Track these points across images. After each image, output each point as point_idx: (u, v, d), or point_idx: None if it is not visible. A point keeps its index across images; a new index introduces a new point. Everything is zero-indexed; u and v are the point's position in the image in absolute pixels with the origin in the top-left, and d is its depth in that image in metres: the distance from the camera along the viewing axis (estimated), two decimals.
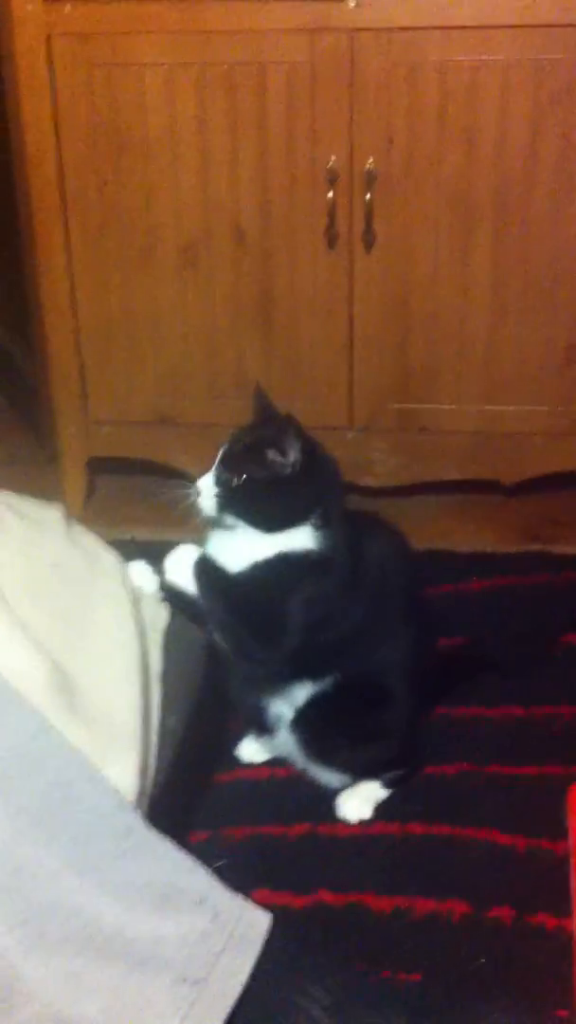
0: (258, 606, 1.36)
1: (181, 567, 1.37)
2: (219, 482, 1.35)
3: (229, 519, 1.36)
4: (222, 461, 1.36)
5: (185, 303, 2.04)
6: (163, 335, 2.08)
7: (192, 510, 1.37)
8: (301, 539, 1.36)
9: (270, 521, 1.35)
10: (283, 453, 1.33)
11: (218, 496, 1.35)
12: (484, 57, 1.83)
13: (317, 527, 1.36)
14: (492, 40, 1.82)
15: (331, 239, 1.94)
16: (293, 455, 1.33)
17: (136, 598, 1.34)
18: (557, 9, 1.78)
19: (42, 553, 1.29)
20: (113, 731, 1.17)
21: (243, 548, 1.37)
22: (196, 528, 1.42)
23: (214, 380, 2.09)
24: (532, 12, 1.79)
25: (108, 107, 1.93)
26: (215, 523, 1.38)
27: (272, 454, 1.34)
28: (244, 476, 1.34)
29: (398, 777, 1.49)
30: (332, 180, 1.90)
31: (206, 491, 1.35)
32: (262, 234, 1.97)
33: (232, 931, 1.08)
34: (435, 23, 1.81)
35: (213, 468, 1.37)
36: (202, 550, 1.38)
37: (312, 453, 1.36)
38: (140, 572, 1.42)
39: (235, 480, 1.34)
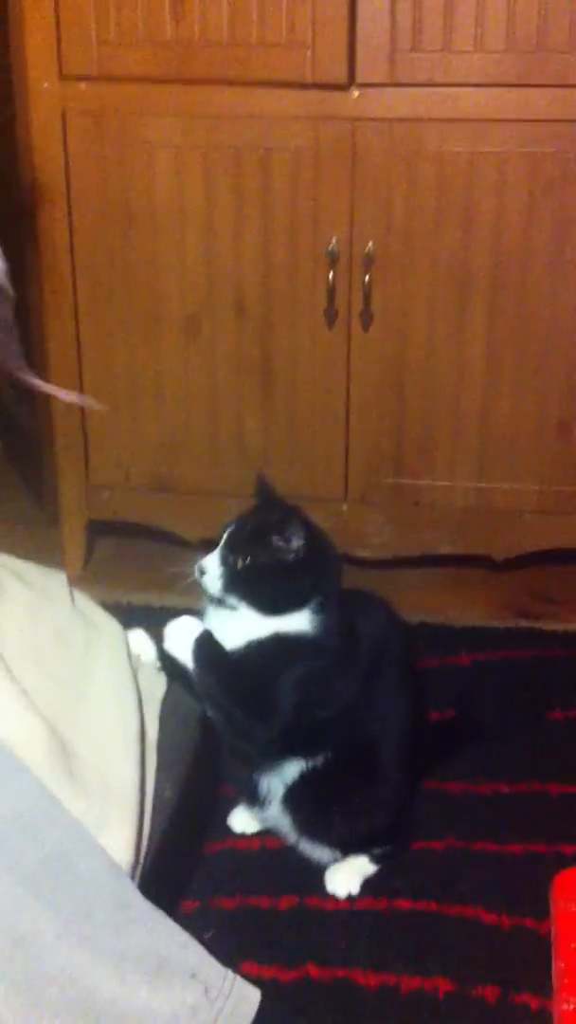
0: (251, 685, 1.38)
1: (181, 639, 1.40)
2: (224, 563, 1.39)
3: (232, 600, 1.39)
4: (227, 543, 1.40)
5: (187, 372, 2.09)
6: (165, 403, 2.13)
7: (198, 587, 1.41)
8: (298, 622, 1.39)
9: (272, 604, 1.39)
10: (287, 540, 1.38)
11: (222, 577, 1.39)
12: (481, 149, 1.89)
13: (314, 612, 1.39)
14: (489, 132, 1.89)
15: (330, 318, 2.00)
16: (296, 542, 1.37)
17: (135, 667, 1.36)
18: (551, 105, 1.85)
19: (45, 621, 1.32)
20: (110, 801, 1.19)
21: (240, 627, 1.40)
22: (192, 595, 1.45)
23: (214, 448, 2.13)
24: (527, 108, 1.86)
25: (119, 182, 1.99)
26: (217, 602, 1.41)
27: (276, 540, 1.38)
28: (248, 559, 1.38)
29: (387, 852, 1.50)
30: (332, 261, 1.96)
31: (211, 571, 1.39)
32: (263, 309, 2.03)
33: (222, 1007, 1.09)
34: (434, 115, 1.88)
35: (218, 549, 1.41)
36: (203, 625, 1.41)
37: (314, 539, 1.40)
38: (139, 640, 1.46)
39: (240, 563, 1.38)
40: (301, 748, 1.42)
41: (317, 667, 1.39)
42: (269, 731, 1.38)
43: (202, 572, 1.39)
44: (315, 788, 1.44)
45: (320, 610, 1.39)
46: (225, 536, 1.41)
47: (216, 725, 1.42)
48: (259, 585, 1.38)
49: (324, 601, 1.40)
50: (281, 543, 1.38)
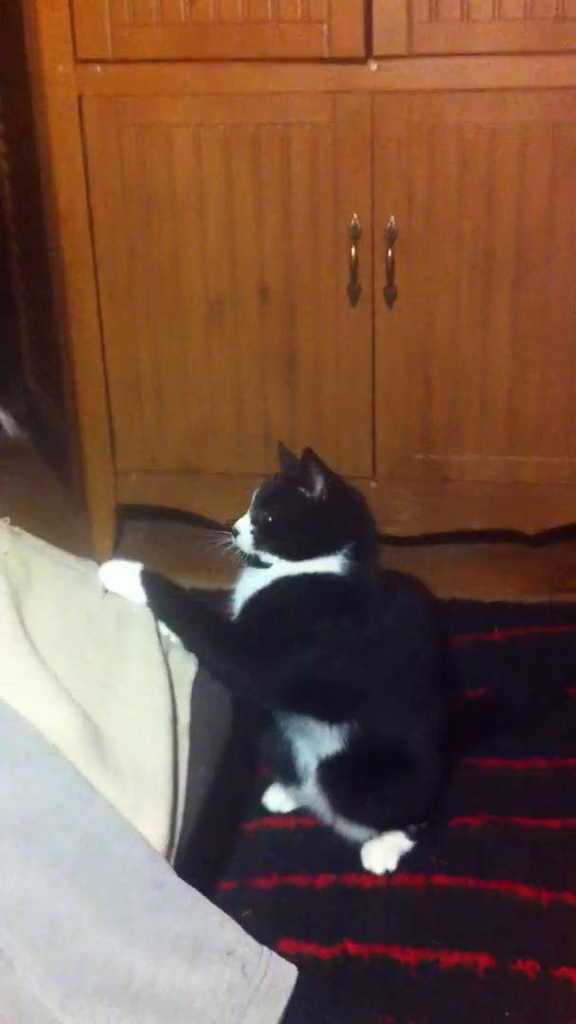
0: (261, 623, 1.40)
1: (120, 576, 1.40)
2: (255, 521, 1.43)
3: (265, 555, 1.42)
4: (256, 503, 1.44)
5: (211, 357, 2.09)
6: (190, 388, 2.12)
7: (231, 554, 1.45)
8: (328, 564, 1.41)
9: (302, 550, 1.41)
10: (309, 487, 1.41)
11: (254, 533, 1.42)
12: (502, 119, 1.87)
13: (348, 557, 1.41)
14: (510, 102, 1.86)
15: (353, 295, 1.98)
16: (319, 485, 1.41)
17: (165, 651, 1.36)
18: (572, 74, 1.82)
19: (77, 607, 1.32)
20: (143, 785, 1.19)
21: (268, 574, 1.43)
22: (223, 576, 1.49)
23: (240, 431, 2.13)
24: (548, 76, 1.83)
25: (137, 166, 1.99)
26: (252, 562, 1.44)
27: (301, 489, 1.41)
28: (277, 511, 1.42)
29: (423, 829, 1.50)
30: (354, 237, 1.95)
31: (243, 531, 1.43)
32: (286, 290, 2.02)
33: (259, 984, 1.09)
34: (453, 86, 1.86)
35: (249, 510, 1.45)
36: (140, 565, 1.42)
37: (337, 487, 1.43)
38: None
39: (269, 517, 1.42)
40: (328, 711, 1.42)
41: (347, 614, 1.39)
42: (261, 685, 1.40)
43: (236, 533, 1.43)
44: (350, 767, 1.44)
45: (353, 557, 1.41)
46: (254, 497, 1.45)
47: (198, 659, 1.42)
48: (290, 534, 1.41)
49: (357, 549, 1.41)
50: (305, 492, 1.41)
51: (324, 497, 1.41)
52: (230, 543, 1.44)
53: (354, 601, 1.41)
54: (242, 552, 1.44)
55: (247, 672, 1.40)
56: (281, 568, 1.42)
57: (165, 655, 1.36)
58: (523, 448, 2.06)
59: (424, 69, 1.86)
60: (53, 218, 2.07)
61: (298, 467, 1.43)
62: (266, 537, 1.42)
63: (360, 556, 1.41)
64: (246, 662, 1.40)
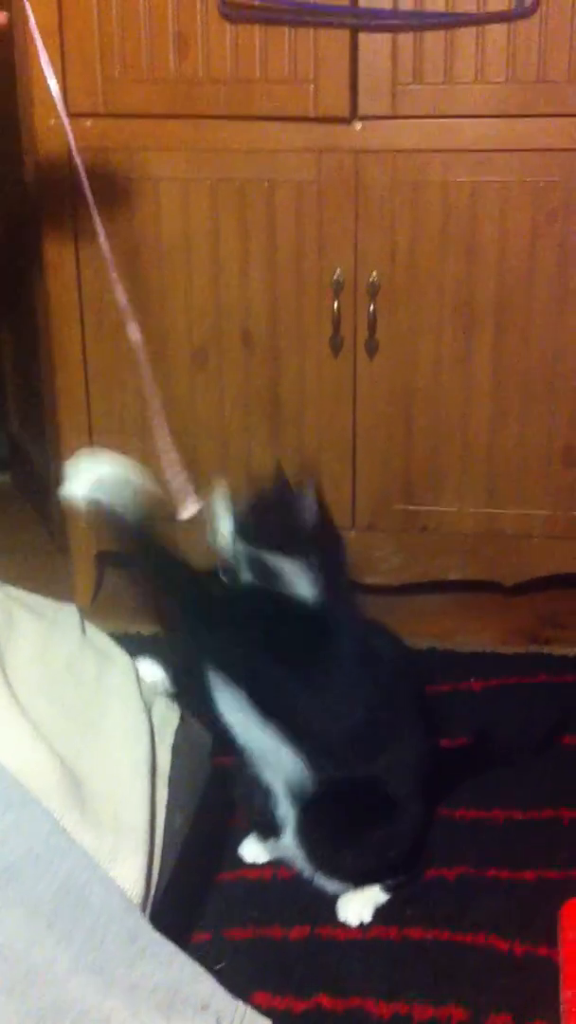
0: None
1: (80, 473, 1.43)
2: (240, 531, 1.46)
3: (244, 574, 1.44)
4: (245, 512, 1.48)
5: (195, 403, 2.11)
6: (173, 433, 2.13)
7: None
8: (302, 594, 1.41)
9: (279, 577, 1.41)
10: (303, 517, 1.43)
11: (235, 545, 1.45)
12: (484, 178, 1.91)
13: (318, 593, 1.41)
14: (492, 162, 1.91)
15: (336, 347, 2.02)
16: (312, 520, 1.42)
17: (148, 699, 1.37)
18: (553, 135, 1.88)
19: (57, 653, 1.33)
20: (121, 833, 1.19)
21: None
22: None
23: (221, 477, 2.14)
24: (529, 138, 1.88)
25: (125, 216, 2.01)
26: (226, 573, 1.46)
27: (290, 517, 1.43)
28: (262, 529, 1.44)
29: (400, 883, 1.50)
30: (337, 291, 1.98)
31: (226, 535, 1.46)
32: (270, 339, 2.05)
33: None
34: (437, 147, 1.90)
35: (235, 519, 1.48)
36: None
37: (325, 522, 1.45)
38: (148, 670, 1.47)
39: (253, 530, 1.44)
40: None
41: (326, 663, 1.40)
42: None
43: (219, 537, 1.47)
44: (329, 820, 1.44)
45: (312, 570, 1.41)
46: (244, 507, 1.49)
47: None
48: (269, 557, 1.42)
49: (319, 564, 1.41)
50: (295, 519, 1.43)
51: (313, 531, 1.42)
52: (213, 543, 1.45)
53: (328, 639, 1.42)
54: (224, 560, 1.45)
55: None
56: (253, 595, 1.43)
57: (149, 703, 1.37)
58: (502, 499, 2.09)
59: (408, 129, 1.91)
60: (41, 266, 2.10)
61: (290, 488, 1.45)
62: (248, 559, 1.43)
63: (330, 591, 1.42)
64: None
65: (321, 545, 1.44)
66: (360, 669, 1.44)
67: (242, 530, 1.45)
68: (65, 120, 1.57)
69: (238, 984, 1.21)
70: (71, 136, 1.56)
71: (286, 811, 1.47)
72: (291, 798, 1.46)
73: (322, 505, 1.43)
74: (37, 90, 1.94)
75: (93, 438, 2.16)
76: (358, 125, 1.91)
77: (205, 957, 1.20)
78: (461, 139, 1.90)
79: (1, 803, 1.10)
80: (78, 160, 1.59)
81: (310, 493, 1.42)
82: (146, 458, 2.13)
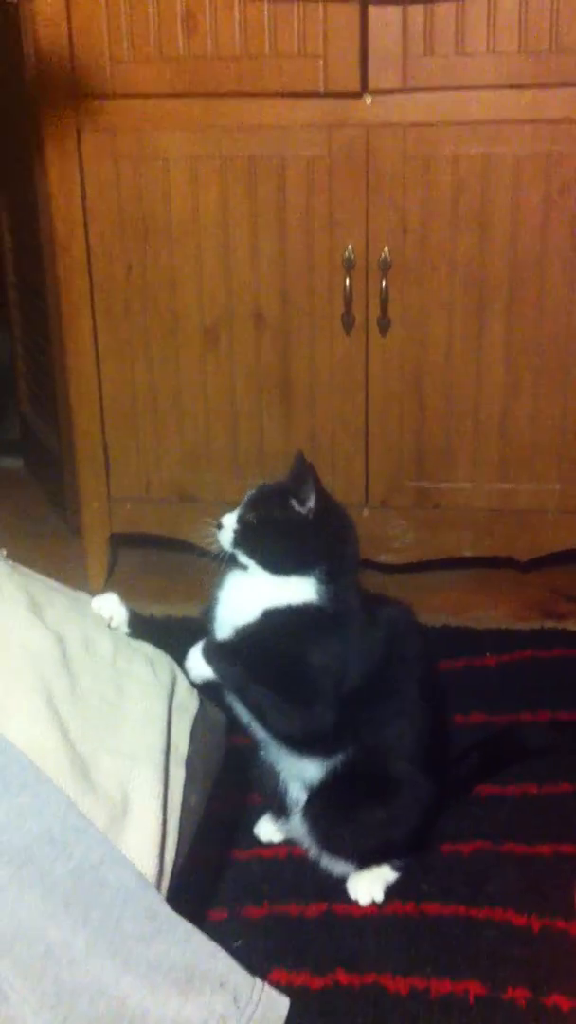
0: (279, 667, 1.39)
1: (196, 661, 1.42)
2: (240, 520, 1.44)
3: (242, 557, 1.43)
4: (247, 503, 1.45)
5: (206, 383, 2.11)
6: (185, 414, 2.14)
7: (211, 546, 1.46)
8: (304, 590, 1.41)
9: (277, 562, 1.42)
10: (301, 501, 1.41)
11: (236, 532, 1.43)
12: (495, 150, 1.90)
13: (321, 581, 1.41)
14: (503, 134, 1.89)
15: (347, 324, 2.01)
16: (310, 502, 1.41)
17: (168, 681, 1.37)
18: (565, 106, 1.86)
19: (74, 634, 1.33)
20: (131, 813, 1.20)
21: (252, 595, 1.43)
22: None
23: (234, 458, 2.15)
24: (541, 109, 1.86)
25: (134, 197, 2.01)
26: (231, 561, 1.45)
27: (292, 501, 1.42)
28: (263, 516, 1.42)
29: (407, 863, 1.51)
30: (349, 268, 1.97)
31: (227, 526, 1.44)
32: (281, 318, 2.04)
33: (252, 1015, 1.10)
34: (447, 119, 1.89)
35: (238, 508, 1.46)
36: (202, 641, 1.43)
37: (328, 508, 1.43)
38: (105, 602, 1.44)
39: (255, 519, 1.42)
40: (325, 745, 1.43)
41: (332, 643, 1.40)
42: (320, 715, 1.39)
43: (219, 527, 1.44)
44: (335, 802, 1.45)
45: (327, 580, 1.41)
46: (246, 496, 1.46)
47: (266, 729, 1.43)
48: (267, 541, 1.42)
49: (332, 572, 1.41)
50: (296, 503, 1.41)
51: (311, 516, 1.41)
52: (213, 535, 1.45)
53: (336, 625, 1.41)
54: (221, 549, 1.44)
55: (316, 722, 1.40)
56: (260, 585, 1.42)
57: (168, 686, 1.37)
58: (515, 475, 2.08)
59: (419, 102, 1.89)
60: (50, 247, 2.09)
61: (296, 475, 1.43)
62: (246, 539, 1.42)
63: (335, 577, 1.41)
64: (308, 715, 1.40)
65: (325, 530, 1.43)
66: (371, 655, 1.44)
67: (244, 520, 1.44)
68: None
69: (255, 961, 1.23)
70: None
71: (295, 793, 1.48)
72: (299, 781, 1.47)
73: (321, 489, 1.42)
74: (45, 69, 1.93)
75: (104, 420, 2.15)
76: (368, 99, 1.89)
77: (222, 935, 1.21)
78: (473, 111, 1.88)
79: (16, 784, 1.11)
80: None
81: (308, 481, 1.41)
82: (156, 433, 2.14)
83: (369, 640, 1.44)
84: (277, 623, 1.41)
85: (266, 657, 1.40)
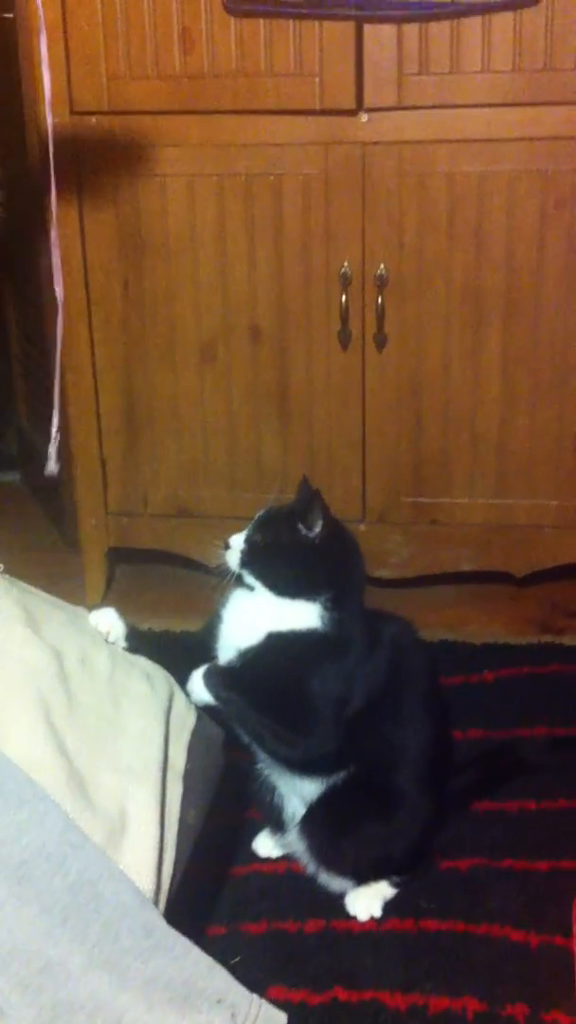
0: (281, 694, 1.40)
1: (198, 684, 1.42)
2: (248, 541, 1.45)
3: (248, 578, 1.44)
4: (255, 524, 1.47)
5: (204, 398, 2.11)
6: (182, 429, 2.14)
7: (219, 569, 1.47)
8: (308, 616, 1.42)
9: (283, 584, 1.42)
10: (308, 526, 1.43)
11: (243, 552, 1.44)
12: (490, 168, 1.91)
13: (326, 608, 1.42)
14: (498, 152, 1.90)
15: (344, 340, 2.01)
16: (317, 527, 1.42)
17: (166, 696, 1.37)
18: (560, 123, 1.87)
19: (71, 649, 1.33)
20: (128, 829, 1.20)
21: (256, 617, 1.43)
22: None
23: (232, 473, 2.15)
24: (535, 127, 1.87)
25: (131, 213, 2.02)
26: (237, 581, 1.46)
27: (299, 525, 1.43)
28: (269, 537, 1.44)
29: (405, 880, 1.50)
30: (345, 284, 1.98)
31: (235, 547, 1.45)
32: (278, 333, 2.05)
33: None
34: (443, 137, 1.90)
35: (247, 529, 1.47)
36: (205, 666, 1.43)
37: (335, 534, 1.44)
38: (108, 620, 1.45)
39: (262, 541, 1.44)
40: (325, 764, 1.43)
41: (335, 669, 1.40)
42: (321, 744, 1.40)
43: (227, 547, 1.46)
44: (334, 817, 1.45)
45: (332, 607, 1.41)
46: (256, 517, 1.47)
47: (267, 754, 1.44)
48: (274, 563, 1.43)
49: (338, 599, 1.42)
50: (303, 527, 1.42)
51: (318, 541, 1.42)
52: (221, 557, 1.46)
53: (340, 652, 1.42)
54: (227, 567, 1.45)
55: (318, 749, 1.41)
56: (264, 612, 1.43)
57: (166, 702, 1.37)
58: (512, 490, 2.09)
59: (414, 120, 1.90)
60: (48, 264, 2.09)
61: (304, 500, 1.45)
62: (254, 560, 1.43)
63: (340, 604, 1.42)
64: (310, 742, 1.41)
65: (331, 556, 1.44)
66: (367, 661, 1.44)
67: (252, 541, 1.45)
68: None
69: (253, 978, 1.22)
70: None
71: (293, 809, 1.48)
72: (297, 797, 1.47)
73: (328, 515, 1.43)
74: (42, 88, 1.94)
75: (102, 435, 2.16)
76: (364, 117, 1.90)
77: (220, 951, 1.21)
78: (468, 129, 1.89)
79: (14, 800, 1.11)
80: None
81: (316, 507, 1.42)
82: (154, 448, 2.15)
83: (372, 664, 1.44)
84: (280, 648, 1.41)
85: (268, 683, 1.40)
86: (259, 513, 1.48)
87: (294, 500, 1.50)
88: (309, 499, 1.43)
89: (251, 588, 1.45)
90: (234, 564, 1.45)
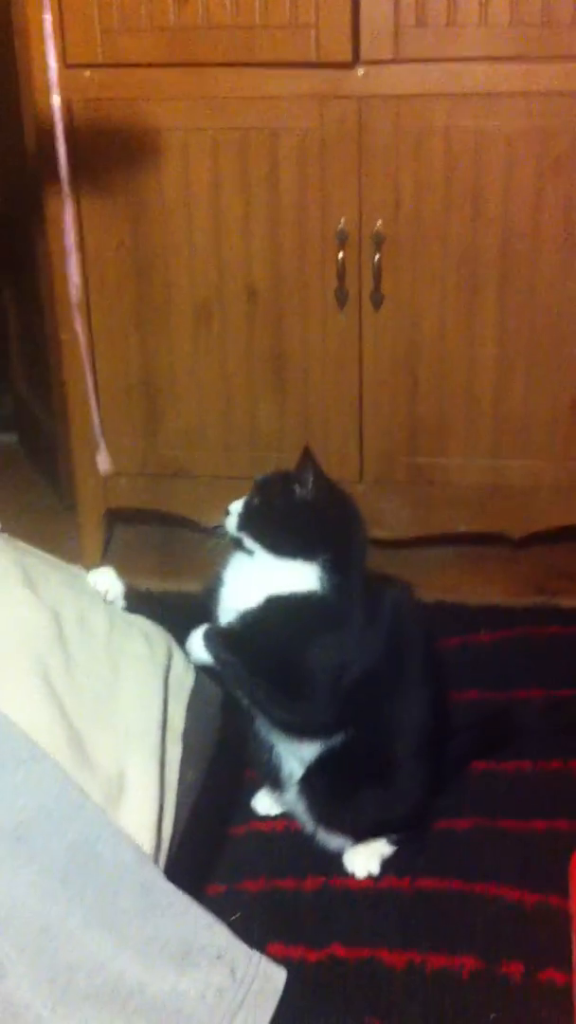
0: (279, 658, 1.40)
1: (197, 643, 1.42)
2: (245, 505, 1.46)
3: (247, 540, 1.44)
4: (253, 488, 1.47)
5: (199, 360, 2.09)
6: (178, 391, 2.13)
7: (222, 537, 1.48)
8: (307, 578, 1.41)
9: (279, 544, 1.42)
10: (301, 484, 1.43)
11: (240, 516, 1.45)
12: (488, 123, 1.88)
13: (325, 570, 1.41)
14: (495, 107, 1.87)
15: (341, 299, 1.99)
16: (309, 484, 1.42)
17: (164, 656, 1.36)
18: (558, 78, 1.84)
19: (69, 609, 1.32)
20: (127, 788, 1.20)
21: (256, 580, 1.43)
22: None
23: (228, 434, 2.14)
24: (535, 80, 1.84)
25: (126, 169, 1.99)
26: (236, 545, 1.46)
27: (294, 485, 1.43)
28: (266, 498, 1.44)
29: (404, 838, 1.51)
30: (342, 242, 1.96)
31: (234, 512, 1.46)
32: (274, 293, 2.03)
33: (249, 987, 1.10)
34: (441, 91, 1.87)
35: (246, 496, 1.48)
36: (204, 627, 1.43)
37: (332, 496, 1.45)
38: (101, 577, 1.44)
39: (258, 502, 1.45)
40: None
41: (334, 633, 1.40)
42: (319, 708, 1.40)
43: (227, 513, 1.46)
44: (331, 776, 1.45)
45: (332, 570, 1.41)
46: (254, 482, 1.48)
47: (264, 717, 1.45)
48: (272, 524, 1.43)
49: (336, 561, 1.41)
50: (297, 486, 1.43)
51: (310, 497, 1.42)
52: (223, 524, 1.47)
53: (339, 618, 1.42)
54: (228, 533, 1.46)
55: (315, 716, 1.42)
56: (265, 570, 1.42)
57: (168, 660, 1.36)
58: (508, 451, 2.08)
59: (411, 74, 1.87)
60: (41, 221, 2.07)
61: (299, 465, 1.44)
62: (251, 522, 1.44)
63: (339, 568, 1.42)
64: (307, 708, 1.41)
65: (328, 516, 1.43)
66: (367, 629, 1.44)
67: (249, 504, 1.46)
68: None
69: (252, 935, 1.23)
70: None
71: (291, 769, 1.48)
72: (295, 757, 1.47)
73: (322, 474, 1.43)
74: (34, 41, 1.91)
75: (99, 396, 2.14)
76: (360, 70, 1.87)
77: (219, 909, 1.21)
78: (465, 83, 1.86)
79: (12, 760, 1.11)
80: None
81: (307, 465, 1.42)
82: (150, 409, 2.13)
83: (372, 630, 1.44)
84: (280, 612, 1.41)
85: (267, 647, 1.40)
86: (257, 478, 1.48)
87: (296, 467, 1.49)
88: (302, 458, 1.42)
89: (251, 553, 1.45)
90: (232, 527, 1.45)
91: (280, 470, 1.50)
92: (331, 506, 1.45)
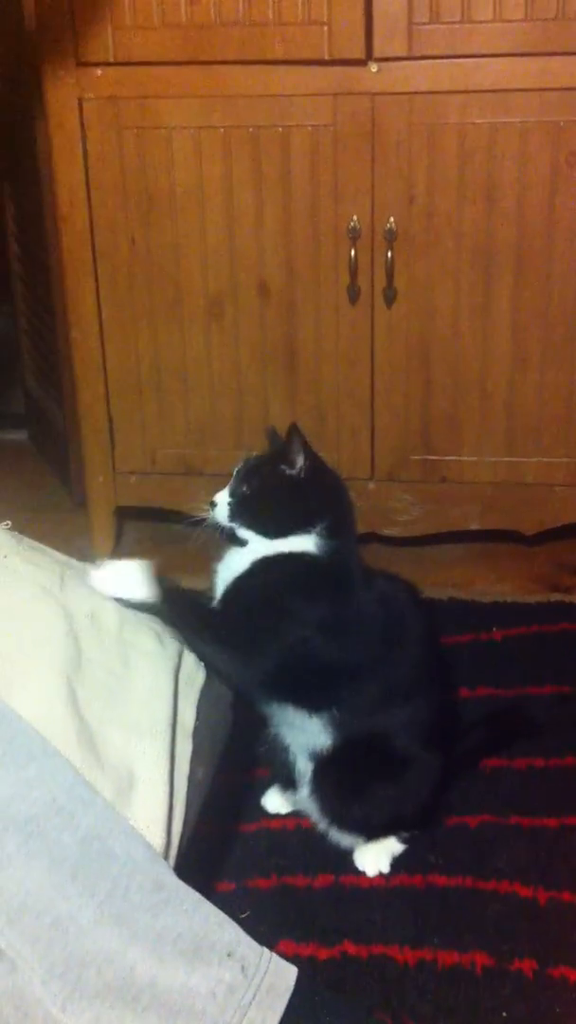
0: (246, 607, 1.39)
1: (123, 578, 1.39)
2: (233, 494, 1.43)
3: (240, 530, 1.42)
4: (237, 477, 1.45)
5: (211, 356, 2.09)
6: (190, 387, 2.13)
7: (207, 529, 1.45)
8: (303, 543, 1.40)
9: (277, 526, 1.41)
10: (290, 463, 1.40)
11: (231, 506, 1.43)
12: (502, 119, 1.88)
13: (322, 536, 1.40)
14: (510, 103, 1.87)
15: (353, 295, 1.99)
16: (300, 462, 1.40)
17: (175, 653, 1.36)
18: (572, 75, 1.83)
19: (80, 606, 1.33)
20: (137, 785, 1.20)
21: (247, 558, 1.42)
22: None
23: (239, 431, 2.14)
24: (548, 77, 1.84)
25: (137, 167, 1.99)
26: (228, 537, 1.44)
27: (282, 466, 1.41)
28: (256, 485, 1.42)
29: (414, 836, 1.51)
30: (354, 238, 1.95)
31: (220, 503, 1.44)
32: (286, 289, 2.02)
33: (260, 984, 1.10)
34: (454, 88, 1.87)
35: (229, 484, 1.45)
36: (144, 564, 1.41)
37: (318, 468, 1.42)
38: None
39: (247, 490, 1.42)
40: (311, 698, 1.41)
41: (325, 593, 1.39)
42: (251, 673, 1.39)
43: (213, 505, 1.44)
44: (341, 773, 1.45)
45: (328, 535, 1.40)
46: (235, 472, 1.45)
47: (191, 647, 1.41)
48: (266, 509, 1.41)
49: (332, 527, 1.40)
50: (285, 467, 1.40)
51: (303, 475, 1.40)
52: (208, 517, 1.44)
53: (330, 580, 1.40)
54: (218, 525, 1.43)
55: (236, 660, 1.39)
56: (258, 548, 1.41)
57: (179, 658, 1.36)
58: (521, 448, 2.07)
59: (424, 70, 1.87)
60: (53, 218, 2.08)
61: (282, 444, 1.43)
62: (242, 511, 1.42)
63: (335, 534, 1.41)
64: (233, 650, 1.39)
65: (319, 488, 1.42)
66: (369, 622, 1.43)
67: (237, 493, 1.43)
68: None
69: (263, 932, 1.23)
70: None
71: (303, 767, 1.48)
72: (307, 754, 1.47)
73: (310, 450, 1.41)
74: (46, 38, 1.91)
75: (109, 393, 2.14)
76: (374, 67, 1.87)
77: (230, 907, 1.20)
78: (479, 79, 1.86)
79: (24, 755, 1.11)
80: None
81: (296, 442, 1.39)
82: (161, 406, 2.13)
83: (367, 610, 1.43)
84: (267, 568, 1.40)
85: (239, 598, 1.39)
86: (237, 466, 1.46)
87: (271, 449, 1.48)
88: (289, 435, 1.40)
89: (243, 543, 1.43)
90: (223, 518, 1.43)
91: (260, 454, 1.48)
92: (322, 478, 1.43)
